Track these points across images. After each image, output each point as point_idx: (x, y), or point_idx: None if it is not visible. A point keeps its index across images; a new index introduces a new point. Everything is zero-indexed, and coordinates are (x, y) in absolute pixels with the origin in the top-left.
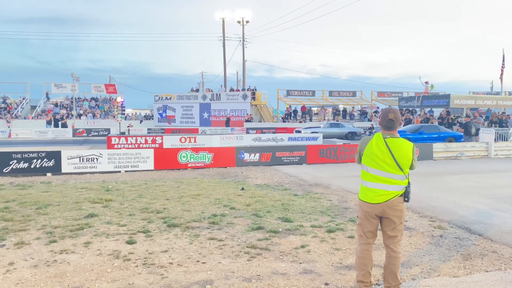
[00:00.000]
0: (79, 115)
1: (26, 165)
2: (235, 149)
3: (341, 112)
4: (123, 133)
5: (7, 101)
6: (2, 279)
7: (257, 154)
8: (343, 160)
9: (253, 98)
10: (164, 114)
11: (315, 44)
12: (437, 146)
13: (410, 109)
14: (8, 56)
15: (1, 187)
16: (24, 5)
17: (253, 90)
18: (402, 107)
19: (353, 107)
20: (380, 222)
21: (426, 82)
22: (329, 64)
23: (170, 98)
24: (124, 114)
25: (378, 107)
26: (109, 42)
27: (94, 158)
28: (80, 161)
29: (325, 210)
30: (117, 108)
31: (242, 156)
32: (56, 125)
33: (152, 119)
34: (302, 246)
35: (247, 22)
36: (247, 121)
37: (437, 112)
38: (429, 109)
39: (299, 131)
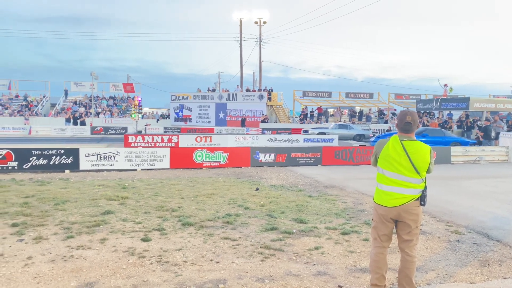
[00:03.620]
0: (97, 113)
1: (45, 161)
2: (251, 149)
3: (357, 113)
4: (140, 131)
5: (28, 99)
6: (20, 272)
7: (272, 155)
8: (359, 162)
9: (269, 99)
10: (180, 114)
11: (331, 45)
12: (456, 150)
13: (428, 111)
14: (29, 55)
15: (21, 183)
16: (43, 5)
17: (269, 90)
18: (420, 109)
19: (370, 109)
20: (395, 226)
21: (445, 85)
22: (345, 65)
23: (187, 98)
24: (141, 113)
25: (395, 109)
26: (126, 41)
27: (111, 156)
28: (97, 158)
29: (339, 212)
30: (134, 107)
31: (257, 156)
32: (75, 123)
33: (169, 118)
34: (316, 248)
35: (265, 22)
36: (262, 121)
37: (456, 115)
38: (448, 112)
39: (307, 131)
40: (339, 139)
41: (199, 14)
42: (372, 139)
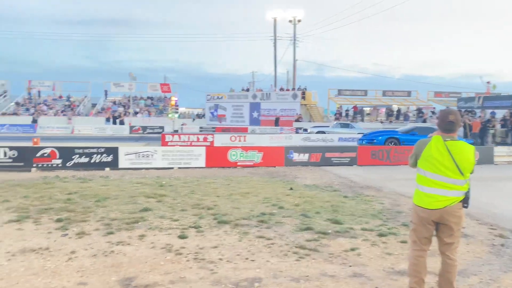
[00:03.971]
0: (136, 113)
1: (87, 159)
2: (284, 148)
3: (395, 112)
4: (177, 131)
5: (70, 99)
6: (65, 266)
7: (307, 154)
8: (396, 163)
9: (303, 98)
10: (215, 113)
11: (367, 43)
12: (499, 150)
13: (470, 110)
14: (71, 57)
15: (64, 180)
16: (85, 7)
17: (303, 89)
18: (461, 108)
19: (408, 108)
20: (436, 228)
21: (488, 82)
22: (382, 63)
23: (222, 98)
24: (177, 112)
25: (434, 108)
26: (162, 42)
27: (149, 155)
28: (136, 157)
29: (376, 213)
30: (171, 106)
31: (291, 155)
32: (114, 122)
33: (204, 117)
34: (352, 249)
35: (299, 21)
36: (296, 120)
37: (500, 113)
38: (491, 110)
39: (306, 130)
40: (339, 139)
41: (233, 14)
42: (368, 138)
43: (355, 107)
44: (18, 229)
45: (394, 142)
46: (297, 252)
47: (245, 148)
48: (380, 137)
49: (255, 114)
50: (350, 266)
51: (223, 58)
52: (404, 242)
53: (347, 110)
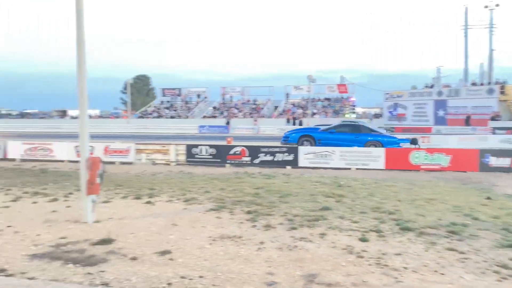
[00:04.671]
0: (313, 114)
1: (271, 158)
2: (479, 151)
3: None
4: None
5: (256, 103)
6: (255, 255)
7: (508, 159)
8: None
9: (502, 93)
10: (394, 112)
11: None
12: None
13: None
14: (255, 64)
15: (252, 176)
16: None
17: (502, 83)
18: None
19: None
20: None
21: None
22: None
23: (401, 96)
24: (354, 112)
25: None
26: (339, 42)
27: (327, 155)
28: (315, 156)
29: None
30: (348, 107)
31: (487, 160)
32: (293, 123)
33: (382, 117)
34: None
35: (497, 5)
36: (492, 119)
37: None
38: None
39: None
40: None
41: (414, 3)
42: (284, 135)
43: None
44: (217, 217)
45: (307, 140)
46: (499, 272)
47: (430, 150)
48: (293, 135)
49: (440, 113)
50: None
51: (401, 54)
52: None
53: None
